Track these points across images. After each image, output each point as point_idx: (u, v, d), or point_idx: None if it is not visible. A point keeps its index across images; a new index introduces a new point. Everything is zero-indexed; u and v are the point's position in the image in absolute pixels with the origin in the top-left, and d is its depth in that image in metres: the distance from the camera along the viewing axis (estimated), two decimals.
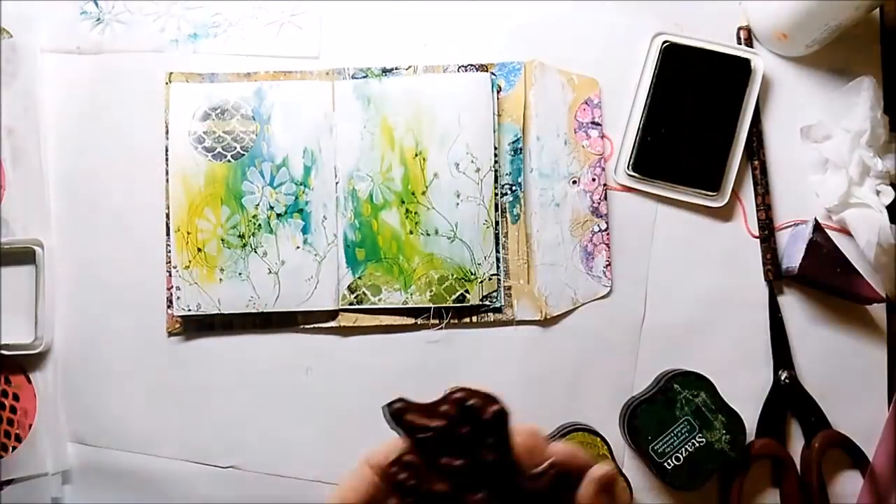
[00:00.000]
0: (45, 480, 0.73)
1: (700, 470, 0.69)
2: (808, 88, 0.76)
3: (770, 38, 0.75)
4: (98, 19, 0.77)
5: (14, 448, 0.73)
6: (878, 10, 0.75)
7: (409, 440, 0.52)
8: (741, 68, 0.74)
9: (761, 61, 0.74)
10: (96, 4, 0.77)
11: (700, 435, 0.69)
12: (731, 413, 0.70)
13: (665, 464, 0.69)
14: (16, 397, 0.74)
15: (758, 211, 0.75)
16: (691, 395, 0.69)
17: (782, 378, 0.73)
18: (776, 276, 0.74)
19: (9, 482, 0.73)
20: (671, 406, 0.69)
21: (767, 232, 0.74)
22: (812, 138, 0.75)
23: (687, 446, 0.69)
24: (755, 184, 0.75)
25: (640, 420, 0.70)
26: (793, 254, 0.73)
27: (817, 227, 0.72)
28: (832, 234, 0.73)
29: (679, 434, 0.69)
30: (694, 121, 0.74)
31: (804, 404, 0.73)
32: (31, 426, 0.74)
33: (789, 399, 0.73)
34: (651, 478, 0.73)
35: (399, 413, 0.53)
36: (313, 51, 0.76)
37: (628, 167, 0.74)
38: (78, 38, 0.77)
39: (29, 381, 0.74)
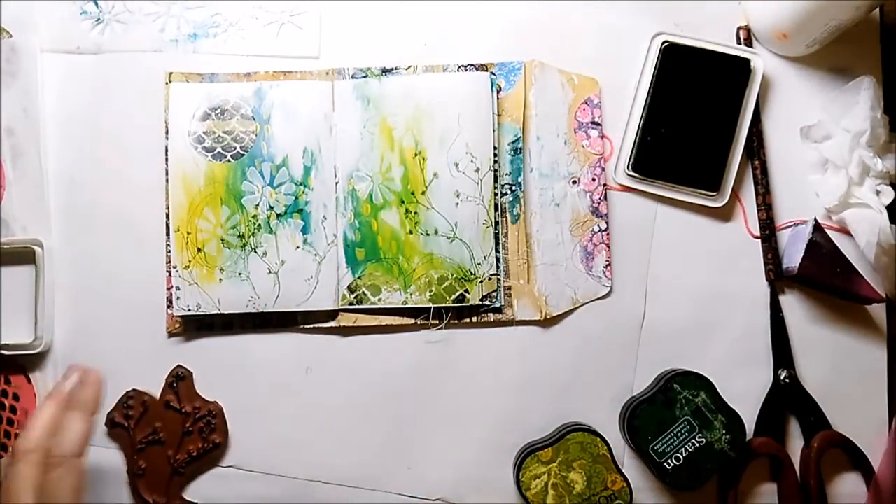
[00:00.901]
0: None
1: (700, 470, 0.69)
2: (808, 88, 0.76)
3: (770, 38, 0.75)
4: (98, 19, 0.77)
5: None
6: (878, 10, 0.75)
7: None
8: (741, 68, 0.74)
9: (761, 61, 0.74)
10: (96, 4, 0.77)
11: (700, 435, 0.69)
12: (731, 413, 0.70)
13: (665, 464, 0.69)
14: (16, 397, 0.74)
15: (758, 211, 0.75)
16: (691, 395, 0.69)
17: (782, 378, 0.73)
18: (777, 276, 0.74)
19: None
20: (671, 406, 0.69)
21: (768, 232, 0.74)
22: (812, 138, 0.75)
23: (687, 446, 0.69)
24: (755, 183, 0.75)
25: (640, 420, 0.70)
26: (793, 254, 0.73)
27: (817, 227, 0.72)
28: (832, 234, 0.73)
29: (679, 434, 0.69)
30: (694, 121, 0.74)
31: (804, 404, 0.73)
32: None
33: (789, 399, 0.73)
34: (651, 478, 0.73)
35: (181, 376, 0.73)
36: (313, 51, 0.76)
37: (628, 167, 0.74)
38: (78, 38, 0.77)
39: (29, 381, 0.74)
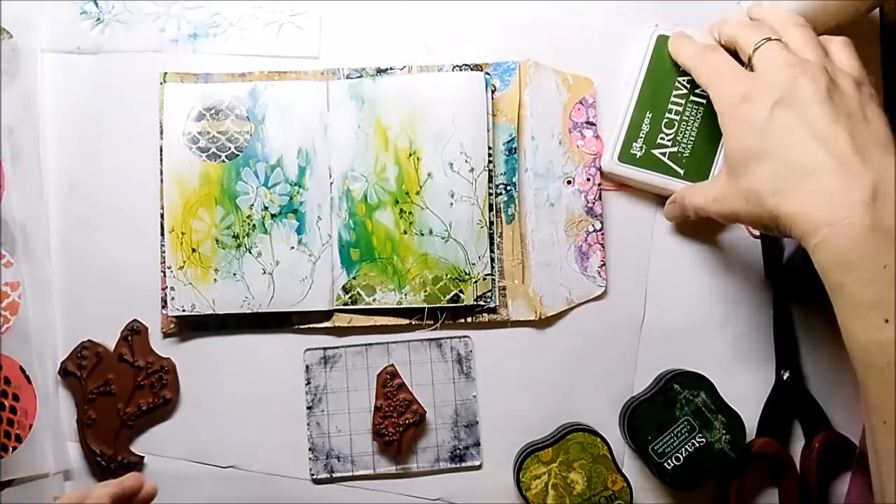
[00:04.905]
0: (46, 481, 0.73)
1: (700, 470, 0.69)
2: None
3: None
4: (98, 19, 0.77)
5: (14, 448, 0.73)
6: (878, 10, 0.75)
7: None
8: None
9: None
10: (96, 4, 0.77)
11: (700, 435, 0.69)
12: (732, 413, 0.69)
13: (665, 464, 0.69)
14: (16, 397, 0.74)
15: None
16: (691, 395, 0.69)
17: (785, 378, 0.73)
18: (777, 276, 0.73)
19: (9, 483, 0.73)
20: (671, 406, 0.69)
21: None
22: None
23: (687, 446, 0.69)
24: None
25: (640, 420, 0.69)
26: (793, 253, 0.72)
27: None
28: None
29: (679, 434, 0.69)
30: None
31: (806, 404, 0.73)
32: (31, 426, 0.74)
33: (791, 399, 0.73)
34: (651, 478, 0.72)
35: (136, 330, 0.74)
36: (313, 51, 0.76)
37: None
38: (78, 38, 0.77)
39: (29, 381, 0.74)
